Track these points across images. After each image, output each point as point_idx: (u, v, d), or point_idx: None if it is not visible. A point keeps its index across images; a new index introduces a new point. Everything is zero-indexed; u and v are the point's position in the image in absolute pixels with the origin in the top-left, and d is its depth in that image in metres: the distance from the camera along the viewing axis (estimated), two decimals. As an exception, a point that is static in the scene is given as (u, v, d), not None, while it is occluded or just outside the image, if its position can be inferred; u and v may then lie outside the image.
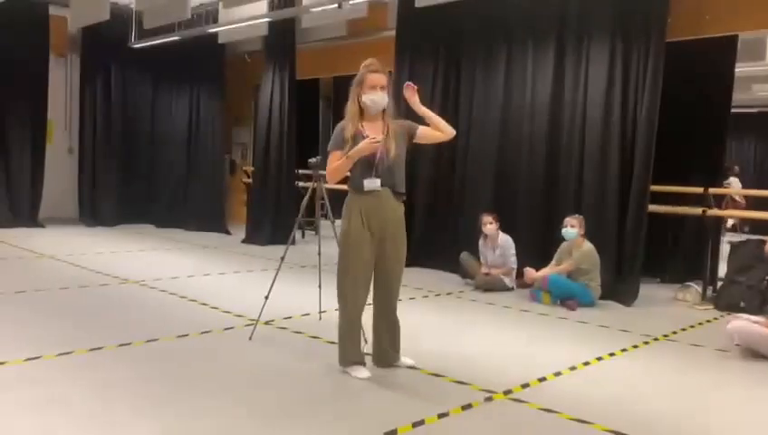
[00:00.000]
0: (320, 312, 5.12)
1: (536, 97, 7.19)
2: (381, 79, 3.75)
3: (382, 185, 3.73)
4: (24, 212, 10.56)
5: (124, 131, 11.65)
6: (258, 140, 10.28)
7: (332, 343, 4.11)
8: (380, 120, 3.82)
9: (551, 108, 7.06)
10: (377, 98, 3.69)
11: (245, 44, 10.90)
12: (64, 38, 11.03)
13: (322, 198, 5.00)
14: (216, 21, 9.53)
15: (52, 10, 10.52)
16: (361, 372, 3.86)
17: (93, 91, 11.34)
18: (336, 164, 3.77)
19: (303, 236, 10.54)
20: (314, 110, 12.13)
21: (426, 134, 3.92)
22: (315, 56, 10.35)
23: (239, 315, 5.23)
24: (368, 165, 3.74)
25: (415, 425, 3.19)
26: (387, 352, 4.02)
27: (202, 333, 4.73)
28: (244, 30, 9.18)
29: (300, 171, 9.84)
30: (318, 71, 10.75)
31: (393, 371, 3.97)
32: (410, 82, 3.97)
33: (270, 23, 9.22)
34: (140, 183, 11.77)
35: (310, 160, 4.82)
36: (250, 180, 10.69)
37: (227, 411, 3.30)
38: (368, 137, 3.71)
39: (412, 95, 3.91)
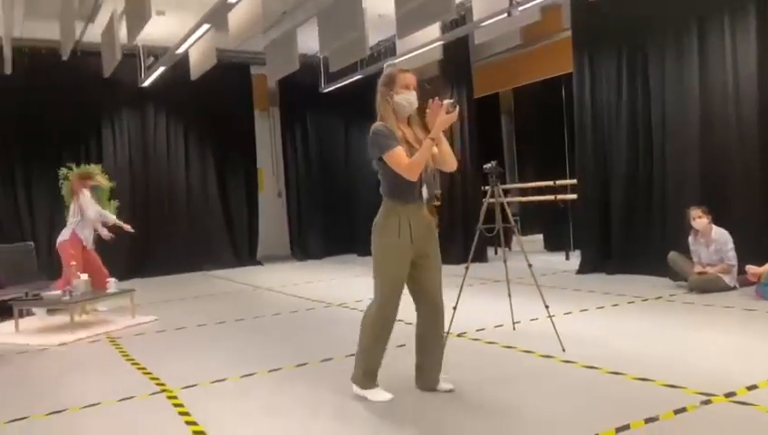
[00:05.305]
0: (513, 323, 4.99)
1: (739, 76, 6.45)
2: (413, 78, 3.46)
3: (428, 193, 3.50)
4: (245, 253, 11.77)
5: (323, 172, 12.55)
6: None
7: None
8: (407, 123, 3.49)
9: (759, 84, 6.27)
10: (412, 98, 3.41)
11: (423, 72, 11.16)
12: (265, 93, 12.25)
13: (502, 205, 4.86)
14: (394, 54, 9.94)
15: (253, 70, 11.74)
16: (380, 395, 3.60)
17: (293, 138, 12.40)
18: (419, 154, 3.30)
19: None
20: (496, 125, 12.05)
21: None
22: (492, 71, 10.31)
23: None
24: None
25: (618, 430, 2.93)
26: (430, 372, 3.69)
27: (397, 346, 4.83)
28: (420, 57, 9.45)
29: (485, 188, 9.77)
30: (497, 85, 10.68)
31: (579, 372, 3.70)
32: (442, 101, 3.33)
33: (444, 45, 9.39)
34: (341, 217, 12.53)
35: (484, 166, 4.77)
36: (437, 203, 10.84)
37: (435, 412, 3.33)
38: (408, 141, 3.42)
39: (437, 113, 3.32)
